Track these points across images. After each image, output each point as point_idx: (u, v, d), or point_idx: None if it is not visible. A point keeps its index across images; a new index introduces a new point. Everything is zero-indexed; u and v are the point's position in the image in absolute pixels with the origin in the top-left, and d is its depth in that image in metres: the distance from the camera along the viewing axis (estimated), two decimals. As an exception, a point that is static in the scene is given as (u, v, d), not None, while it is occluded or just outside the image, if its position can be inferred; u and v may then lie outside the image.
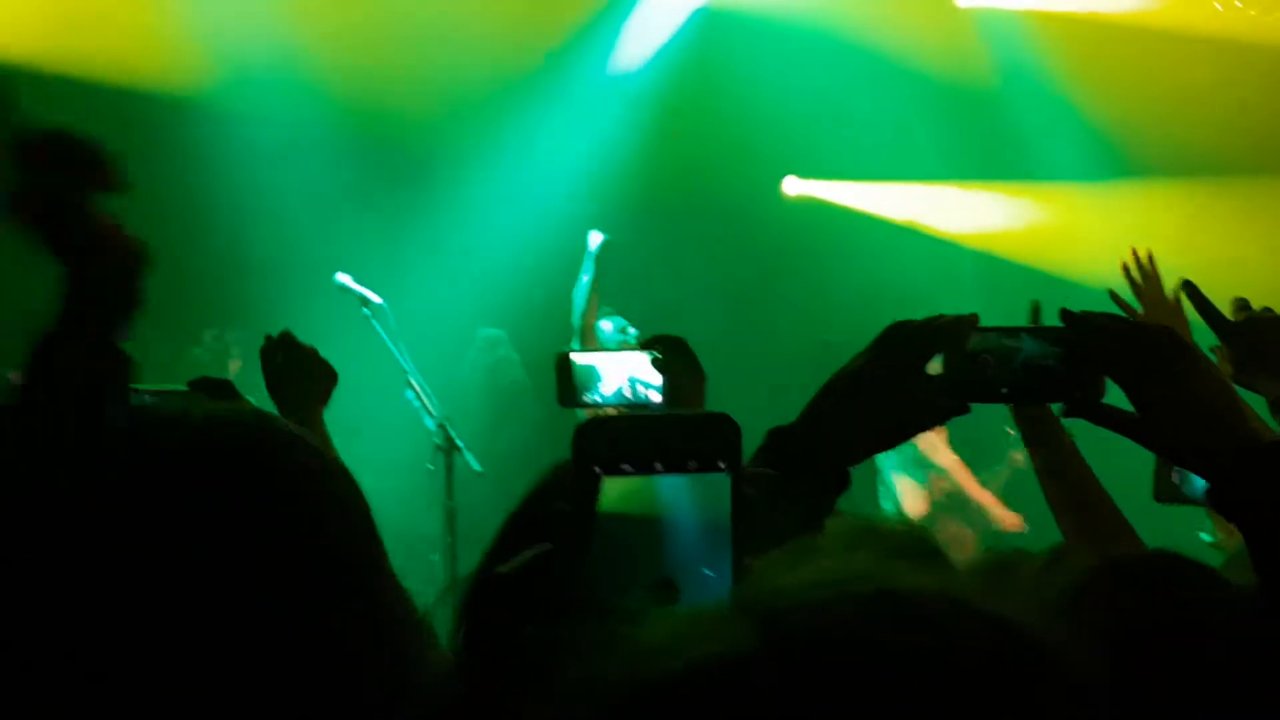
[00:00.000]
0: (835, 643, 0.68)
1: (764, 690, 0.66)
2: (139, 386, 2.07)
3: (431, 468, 5.91)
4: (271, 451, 1.13)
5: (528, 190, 8.50)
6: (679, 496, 0.99)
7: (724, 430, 1.02)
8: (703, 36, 9.05)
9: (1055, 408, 1.96)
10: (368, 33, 8.24)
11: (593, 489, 0.98)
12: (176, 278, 7.59)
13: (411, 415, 6.08)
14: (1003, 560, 2.02)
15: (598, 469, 0.99)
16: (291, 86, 8.00)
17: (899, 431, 1.69)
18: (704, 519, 0.99)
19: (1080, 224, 8.88)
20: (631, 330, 6.16)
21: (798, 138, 9.02)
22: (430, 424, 5.97)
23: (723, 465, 1.00)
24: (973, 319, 1.73)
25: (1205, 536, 3.28)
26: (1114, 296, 3.05)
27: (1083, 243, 8.51)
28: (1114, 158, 8.66)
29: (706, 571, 0.99)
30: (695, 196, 9.05)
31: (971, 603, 0.72)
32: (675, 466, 0.99)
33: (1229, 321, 2.30)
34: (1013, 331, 1.75)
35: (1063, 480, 2.40)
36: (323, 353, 3.29)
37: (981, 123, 8.99)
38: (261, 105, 7.93)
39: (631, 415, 1.01)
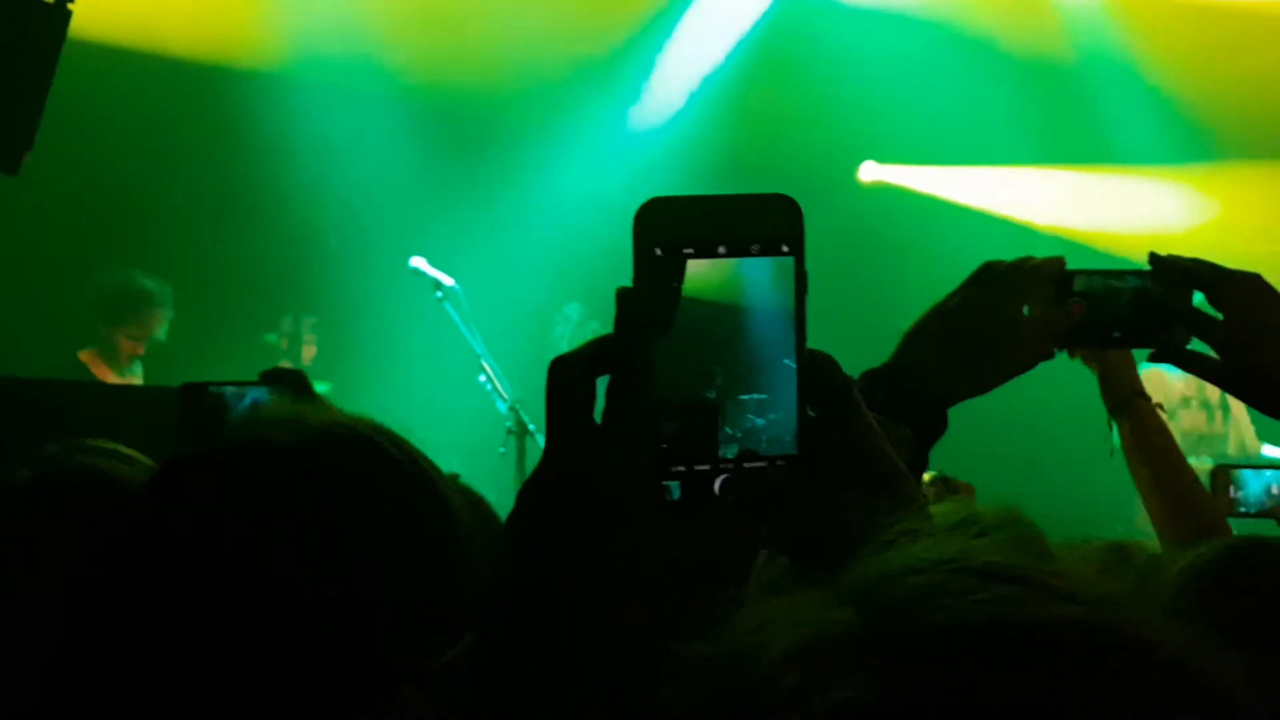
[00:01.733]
0: (981, 699, 0.57)
1: None
2: (212, 381, 2.08)
3: (503, 451, 5.91)
4: (377, 469, 1.18)
5: (602, 172, 8.47)
6: (744, 281, 0.97)
7: (786, 211, 0.99)
8: (781, 17, 8.97)
9: (1141, 364, 1.91)
10: (441, 12, 8.24)
11: (658, 271, 0.95)
12: (253, 263, 7.69)
13: (484, 399, 6.08)
14: (1124, 550, 1.96)
15: (659, 251, 0.96)
16: (365, 66, 8.02)
17: (998, 373, 1.65)
18: (772, 304, 0.97)
19: (1164, 208, 8.72)
20: None
21: (875, 121, 8.93)
22: (502, 407, 5.97)
23: (786, 249, 0.98)
24: (1060, 260, 1.70)
25: None
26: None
27: (1166, 227, 8.36)
28: (1198, 140, 8.49)
29: (788, 363, 0.97)
30: (771, 178, 8.99)
31: (1140, 645, 0.61)
32: (738, 250, 0.97)
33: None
34: (1119, 273, 1.73)
35: (1148, 457, 2.30)
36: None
37: (1062, 104, 8.85)
38: (334, 84, 7.96)
39: (691, 196, 0.97)
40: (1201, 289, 1.64)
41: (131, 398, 4.45)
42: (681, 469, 0.95)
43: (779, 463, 0.96)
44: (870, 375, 1.62)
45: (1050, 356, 1.70)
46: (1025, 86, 8.71)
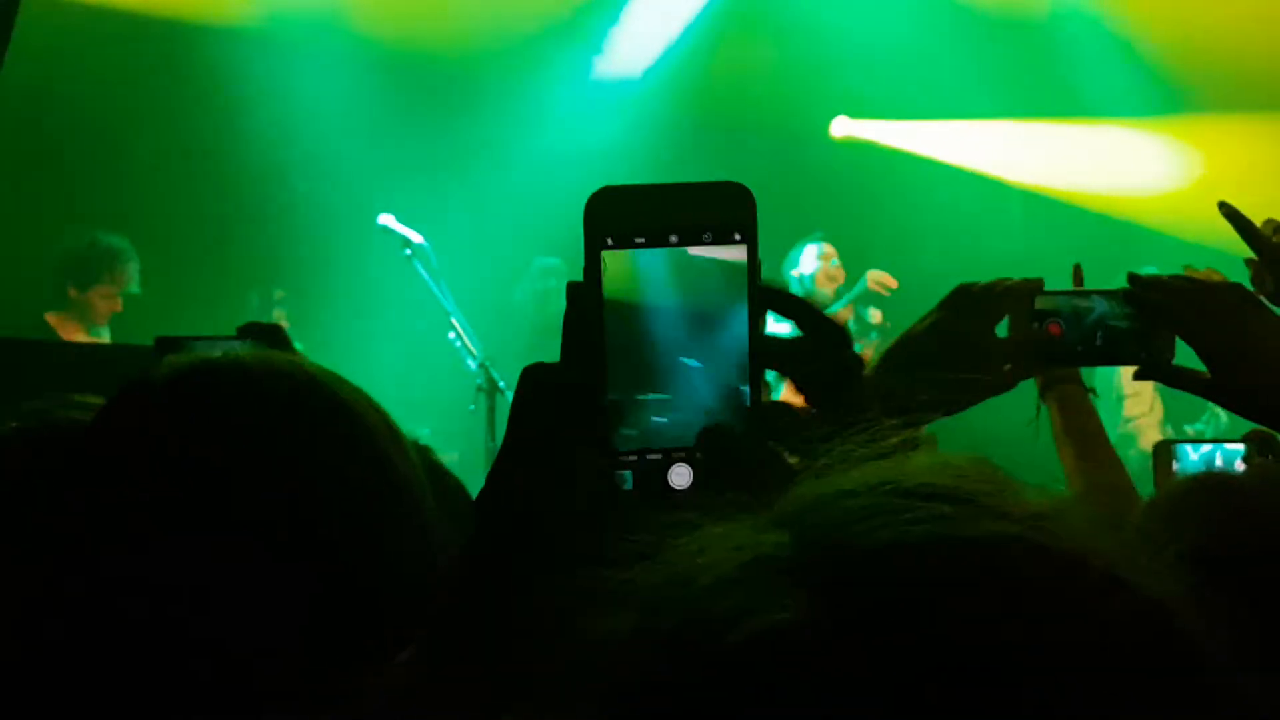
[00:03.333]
0: (914, 616, 0.57)
1: (828, 669, 0.56)
2: (186, 335, 2.07)
3: (473, 408, 5.91)
4: (319, 407, 1.16)
5: (571, 127, 8.43)
6: (697, 272, 0.97)
7: (739, 199, 0.98)
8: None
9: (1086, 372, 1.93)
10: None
11: (602, 264, 0.95)
12: (220, 222, 7.63)
13: (454, 356, 6.07)
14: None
15: (610, 241, 0.96)
16: (330, 22, 7.96)
17: (973, 395, 1.66)
18: (721, 297, 0.97)
19: (1137, 162, 8.72)
20: None
21: (847, 76, 8.91)
22: (472, 365, 5.96)
23: (739, 236, 0.97)
24: (1039, 282, 1.71)
25: None
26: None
27: (1139, 180, 8.37)
28: (1171, 93, 8.48)
29: (691, 363, 0.97)
30: (743, 133, 8.99)
31: (1092, 562, 0.61)
32: (690, 239, 0.96)
33: (1269, 243, 2.23)
34: (1084, 293, 1.75)
35: (1072, 443, 2.28)
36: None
37: (1034, 58, 8.84)
38: (300, 41, 7.88)
39: (643, 186, 0.97)
40: (1183, 305, 1.64)
41: (105, 356, 4.43)
42: (633, 458, 0.96)
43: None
44: None
45: (1029, 377, 1.71)
46: (998, 40, 8.69)
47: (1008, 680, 0.56)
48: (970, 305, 1.66)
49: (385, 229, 6.07)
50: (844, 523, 0.61)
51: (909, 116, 9.18)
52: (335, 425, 1.14)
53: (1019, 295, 1.69)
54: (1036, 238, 7.83)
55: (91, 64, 7.25)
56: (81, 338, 6.13)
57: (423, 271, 5.95)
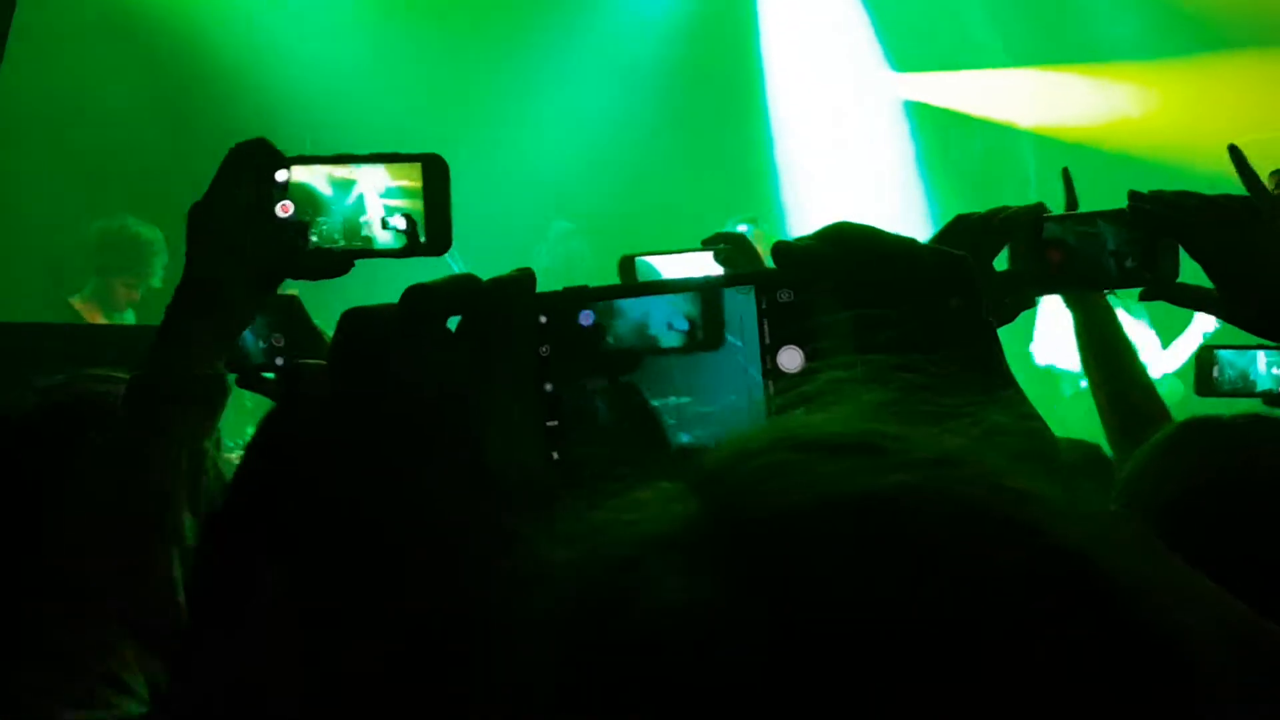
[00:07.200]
0: (798, 588, 0.54)
1: (713, 647, 0.54)
2: None
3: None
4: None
5: (600, 81, 8.38)
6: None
7: None
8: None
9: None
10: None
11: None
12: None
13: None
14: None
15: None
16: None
17: None
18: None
19: (1147, 102, 8.64)
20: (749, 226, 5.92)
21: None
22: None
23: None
24: (1039, 207, 1.67)
25: None
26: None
27: (1154, 123, 8.31)
28: (1185, 31, 8.38)
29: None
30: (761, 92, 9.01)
31: (1013, 515, 0.56)
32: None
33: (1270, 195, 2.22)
34: (1088, 218, 1.71)
35: (1097, 349, 2.27)
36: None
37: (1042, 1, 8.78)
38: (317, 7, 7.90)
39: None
40: (1186, 222, 1.61)
41: (125, 336, 4.45)
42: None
43: None
44: None
45: (1031, 306, 1.68)
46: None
47: (894, 644, 0.52)
48: (970, 237, 1.61)
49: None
50: (746, 487, 0.59)
51: (921, 68, 9.14)
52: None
53: (1019, 223, 1.66)
54: (1049, 181, 7.78)
55: (103, 56, 7.28)
56: (103, 323, 6.15)
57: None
